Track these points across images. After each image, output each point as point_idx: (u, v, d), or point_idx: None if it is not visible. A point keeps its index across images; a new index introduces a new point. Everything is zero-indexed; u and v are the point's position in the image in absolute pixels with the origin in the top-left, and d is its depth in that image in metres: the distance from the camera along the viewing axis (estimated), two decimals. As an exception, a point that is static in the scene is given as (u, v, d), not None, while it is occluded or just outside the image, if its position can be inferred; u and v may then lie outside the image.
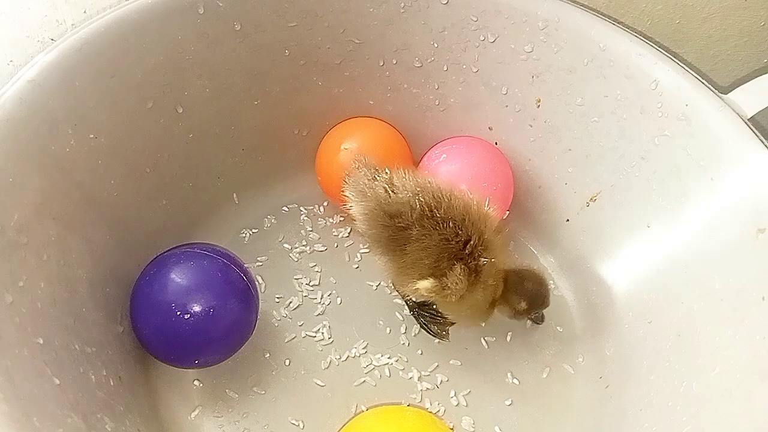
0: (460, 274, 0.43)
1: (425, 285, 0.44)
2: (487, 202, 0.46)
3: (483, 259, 0.44)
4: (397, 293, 0.53)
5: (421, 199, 0.44)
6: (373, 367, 0.49)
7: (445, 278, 0.43)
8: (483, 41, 0.52)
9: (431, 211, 0.43)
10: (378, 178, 0.45)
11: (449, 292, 0.43)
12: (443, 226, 0.43)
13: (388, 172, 0.46)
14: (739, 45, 0.57)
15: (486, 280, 0.44)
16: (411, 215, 0.44)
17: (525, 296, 0.46)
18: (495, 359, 0.50)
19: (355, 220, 0.47)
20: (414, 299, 0.51)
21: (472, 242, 0.43)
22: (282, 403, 0.47)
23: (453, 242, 0.43)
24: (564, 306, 0.54)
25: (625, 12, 0.53)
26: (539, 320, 0.50)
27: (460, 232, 0.43)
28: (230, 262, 0.45)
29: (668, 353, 0.43)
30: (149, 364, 0.47)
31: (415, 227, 0.43)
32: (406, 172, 0.46)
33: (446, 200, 0.44)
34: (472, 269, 0.43)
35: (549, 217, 0.56)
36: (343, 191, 0.47)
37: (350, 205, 0.46)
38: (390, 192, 0.44)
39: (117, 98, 0.45)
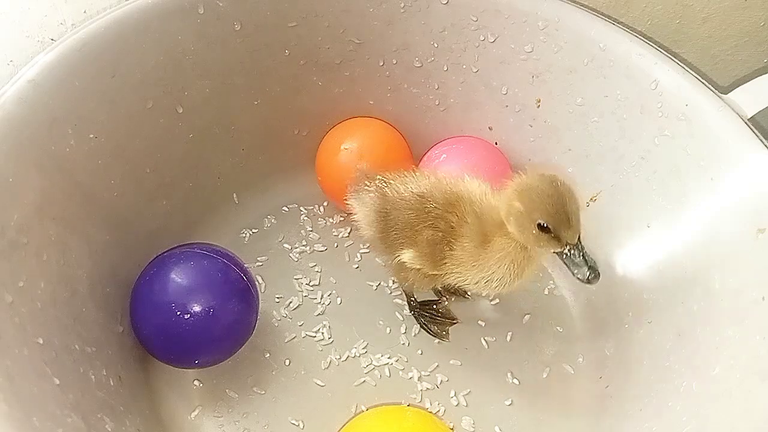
0: (427, 238, 0.43)
1: (407, 256, 0.44)
2: (466, 175, 0.46)
3: (448, 215, 0.43)
4: (398, 293, 0.53)
5: (391, 183, 0.46)
6: (373, 367, 0.49)
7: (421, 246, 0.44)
8: (483, 41, 0.52)
9: (398, 192, 0.45)
10: (369, 185, 0.47)
11: (426, 259, 0.43)
12: (410, 200, 0.44)
13: (380, 178, 0.47)
14: (739, 45, 0.57)
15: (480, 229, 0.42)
16: (387, 202, 0.46)
17: (524, 197, 0.38)
18: (495, 359, 0.50)
19: (359, 229, 0.49)
20: (416, 298, 0.52)
21: (435, 206, 0.43)
22: (282, 403, 0.47)
23: (420, 211, 0.44)
24: (564, 306, 0.54)
25: (625, 12, 0.53)
26: (581, 265, 0.38)
27: (422, 199, 0.44)
28: (230, 262, 0.45)
29: (668, 353, 0.43)
30: (149, 364, 0.47)
31: (392, 212, 0.45)
32: (396, 174, 0.47)
33: (413, 177, 0.46)
34: (446, 231, 0.43)
35: (549, 217, 0.56)
36: (346, 201, 0.50)
37: (354, 214, 0.49)
38: (377, 194, 0.47)
39: (117, 98, 0.45)
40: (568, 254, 0.38)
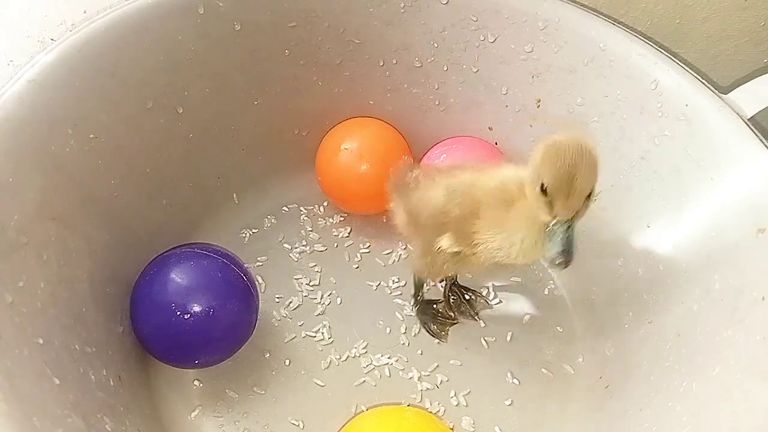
0: (455, 216, 0.42)
1: (445, 242, 0.43)
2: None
3: (472, 190, 0.42)
4: (399, 293, 0.53)
5: (426, 173, 0.46)
6: (373, 367, 0.49)
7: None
8: (483, 41, 0.52)
9: (431, 179, 0.45)
10: (408, 175, 0.47)
11: (459, 237, 0.43)
12: (440, 185, 0.44)
13: (417, 171, 0.47)
14: (739, 45, 0.57)
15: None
16: (419, 191, 0.46)
17: (544, 152, 0.35)
18: (495, 359, 0.50)
19: (392, 215, 0.49)
20: (423, 294, 0.52)
21: (461, 184, 0.43)
22: (282, 403, 0.47)
23: (448, 191, 0.43)
24: (564, 306, 0.54)
25: (625, 12, 0.53)
26: (556, 244, 0.34)
27: (450, 180, 0.44)
28: (230, 262, 0.45)
29: (668, 353, 0.43)
30: (149, 364, 0.47)
31: (423, 198, 0.45)
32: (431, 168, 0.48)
33: (443, 169, 0.46)
34: (471, 206, 0.42)
35: (549, 217, 0.56)
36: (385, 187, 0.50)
37: (392, 206, 0.49)
38: (412, 183, 0.47)
39: (117, 98, 0.45)
40: (553, 228, 0.34)
